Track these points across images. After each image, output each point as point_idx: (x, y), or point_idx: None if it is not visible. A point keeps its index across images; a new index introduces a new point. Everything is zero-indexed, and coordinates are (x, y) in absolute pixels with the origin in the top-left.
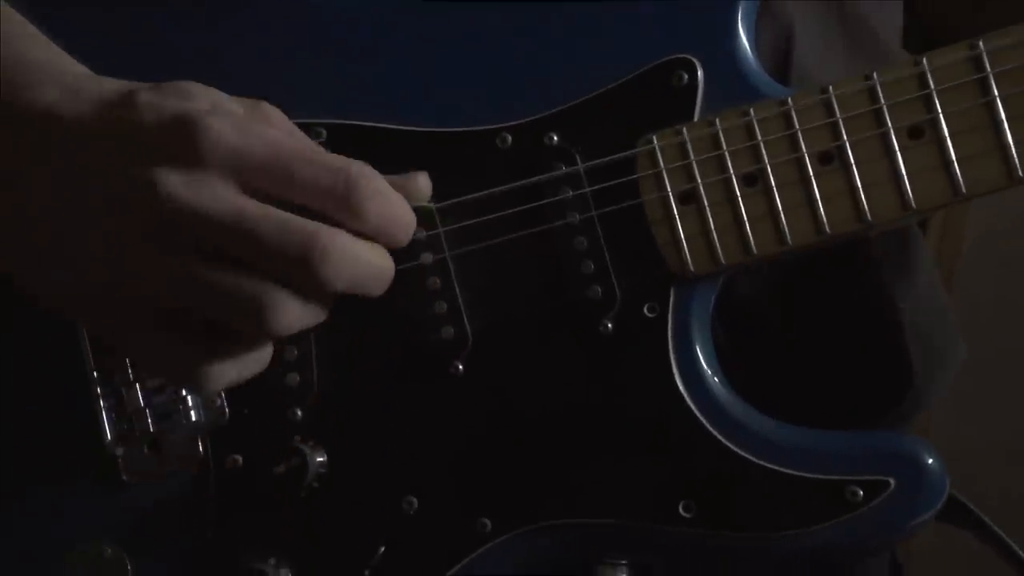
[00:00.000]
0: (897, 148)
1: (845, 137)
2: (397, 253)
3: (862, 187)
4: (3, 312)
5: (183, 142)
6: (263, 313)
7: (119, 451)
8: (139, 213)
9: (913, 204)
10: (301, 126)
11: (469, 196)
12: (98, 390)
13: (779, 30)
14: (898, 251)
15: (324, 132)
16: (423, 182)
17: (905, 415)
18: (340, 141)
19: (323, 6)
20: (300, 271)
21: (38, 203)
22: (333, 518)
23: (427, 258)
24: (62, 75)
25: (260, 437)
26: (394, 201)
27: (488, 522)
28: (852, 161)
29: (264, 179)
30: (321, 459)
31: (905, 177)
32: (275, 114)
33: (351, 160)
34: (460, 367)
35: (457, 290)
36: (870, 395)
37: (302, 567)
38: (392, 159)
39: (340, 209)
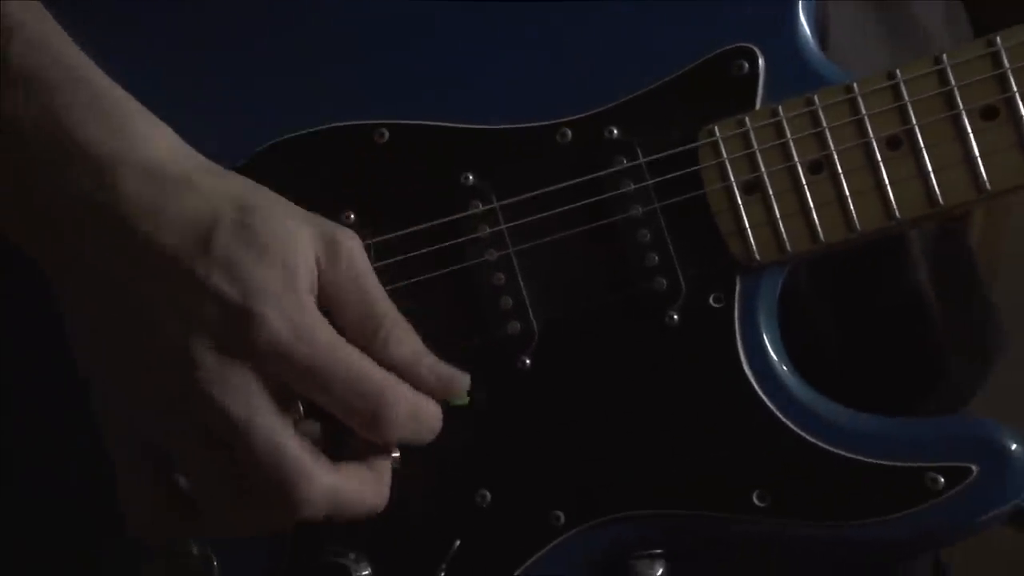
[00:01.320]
0: (970, 130)
1: (914, 120)
2: (462, 249)
3: (933, 171)
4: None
5: (238, 331)
6: (229, 513)
7: None
8: (167, 371)
9: (988, 186)
10: (364, 127)
11: (530, 193)
12: None
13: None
14: (935, 245)
15: (386, 132)
16: (462, 384)
17: (942, 409)
18: (402, 141)
19: (382, 4)
20: (276, 501)
21: (91, 294)
22: (407, 512)
23: (491, 255)
24: (147, 165)
25: (336, 432)
26: (421, 422)
27: (561, 515)
28: (922, 145)
29: (299, 384)
30: (395, 454)
31: (979, 159)
32: (347, 252)
33: (386, 385)
34: (527, 361)
35: (522, 285)
36: (902, 387)
37: (380, 562)
38: (453, 156)
39: (363, 430)
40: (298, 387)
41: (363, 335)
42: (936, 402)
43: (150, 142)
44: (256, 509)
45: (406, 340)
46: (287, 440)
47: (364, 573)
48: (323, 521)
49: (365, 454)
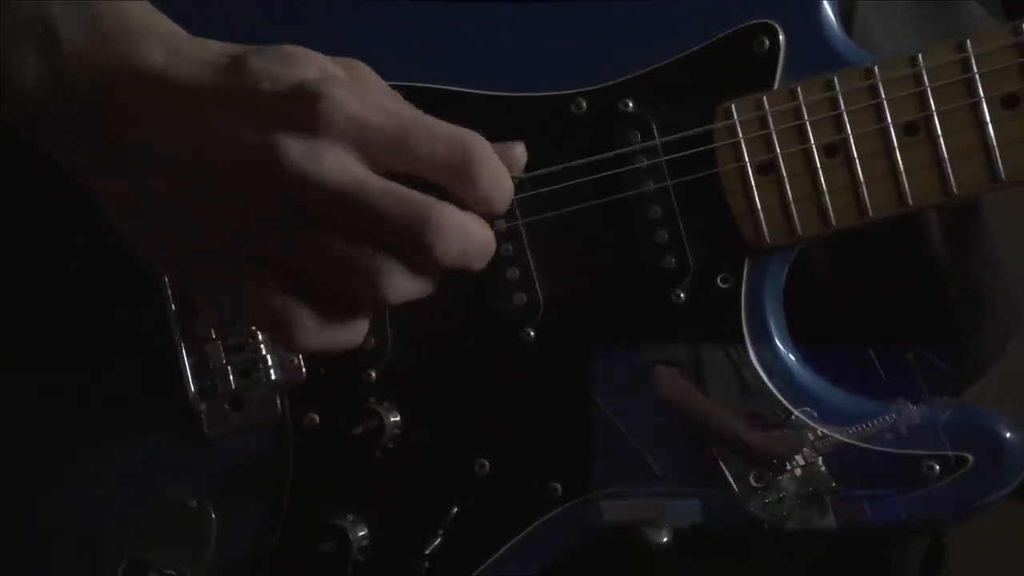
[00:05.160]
0: (989, 119)
1: (934, 107)
2: None
3: (949, 158)
4: (91, 273)
5: (306, 111)
6: (375, 282)
7: (202, 406)
8: (261, 179)
9: (1003, 175)
10: None
11: (542, 167)
12: (182, 348)
13: None
14: (953, 217)
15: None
16: (520, 152)
17: (955, 383)
18: (413, 104)
19: None
20: (414, 244)
21: (152, 164)
22: (407, 478)
23: (500, 225)
24: (166, 36)
25: (336, 397)
26: (503, 171)
27: (558, 487)
28: (940, 132)
29: (383, 149)
30: (395, 419)
31: (996, 148)
32: (370, 75)
33: (464, 130)
34: (531, 333)
35: (530, 257)
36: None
37: (378, 525)
38: (466, 123)
39: (455, 179)
40: (381, 151)
41: None
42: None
43: (164, 22)
44: (399, 264)
45: (479, 138)
46: (404, 190)
47: (361, 534)
48: (456, 260)
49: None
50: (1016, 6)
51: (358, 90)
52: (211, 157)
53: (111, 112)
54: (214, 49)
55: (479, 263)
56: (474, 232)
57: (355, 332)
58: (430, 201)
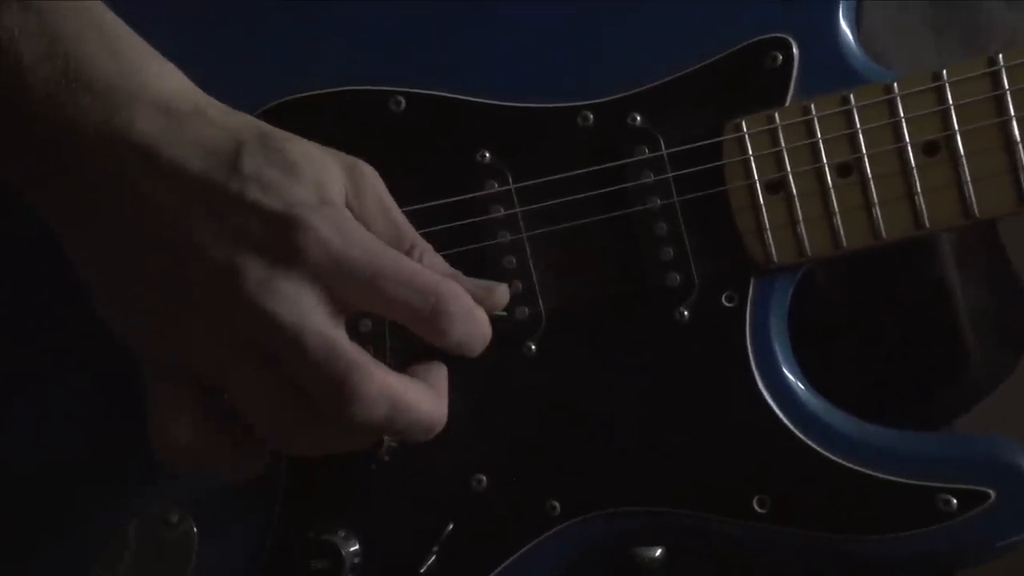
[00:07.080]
0: (1020, 139)
1: (957, 127)
2: (475, 229)
3: (972, 180)
4: (72, 280)
5: (284, 241)
6: (290, 433)
7: None
8: (211, 291)
9: None
10: (379, 93)
11: (547, 177)
12: None
13: None
14: (964, 234)
15: (403, 101)
16: (502, 293)
17: (963, 400)
18: (419, 111)
19: None
20: (333, 404)
21: (116, 233)
22: (402, 492)
23: (504, 237)
24: (161, 101)
25: None
26: (477, 322)
27: (557, 505)
28: (963, 152)
29: (353, 291)
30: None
31: None
32: (370, 180)
33: (441, 279)
34: (533, 347)
35: (533, 271)
36: (922, 377)
37: (371, 541)
38: (471, 132)
39: (423, 329)
40: (351, 293)
41: None
42: (958, 393)
43: (162, 79)
44: (312, 420)
45: (439, 259)
46: (341, 338)
47: (352, 550)
48: (382, 428)
49: (421, 370)
50: None
51: (343, 222)
52: (173, 254)
53: (78, 167)
54: (212, 125)
55: (415, 439)
56: (404, 405)
57: (246, 471)
58: (354, 364)
